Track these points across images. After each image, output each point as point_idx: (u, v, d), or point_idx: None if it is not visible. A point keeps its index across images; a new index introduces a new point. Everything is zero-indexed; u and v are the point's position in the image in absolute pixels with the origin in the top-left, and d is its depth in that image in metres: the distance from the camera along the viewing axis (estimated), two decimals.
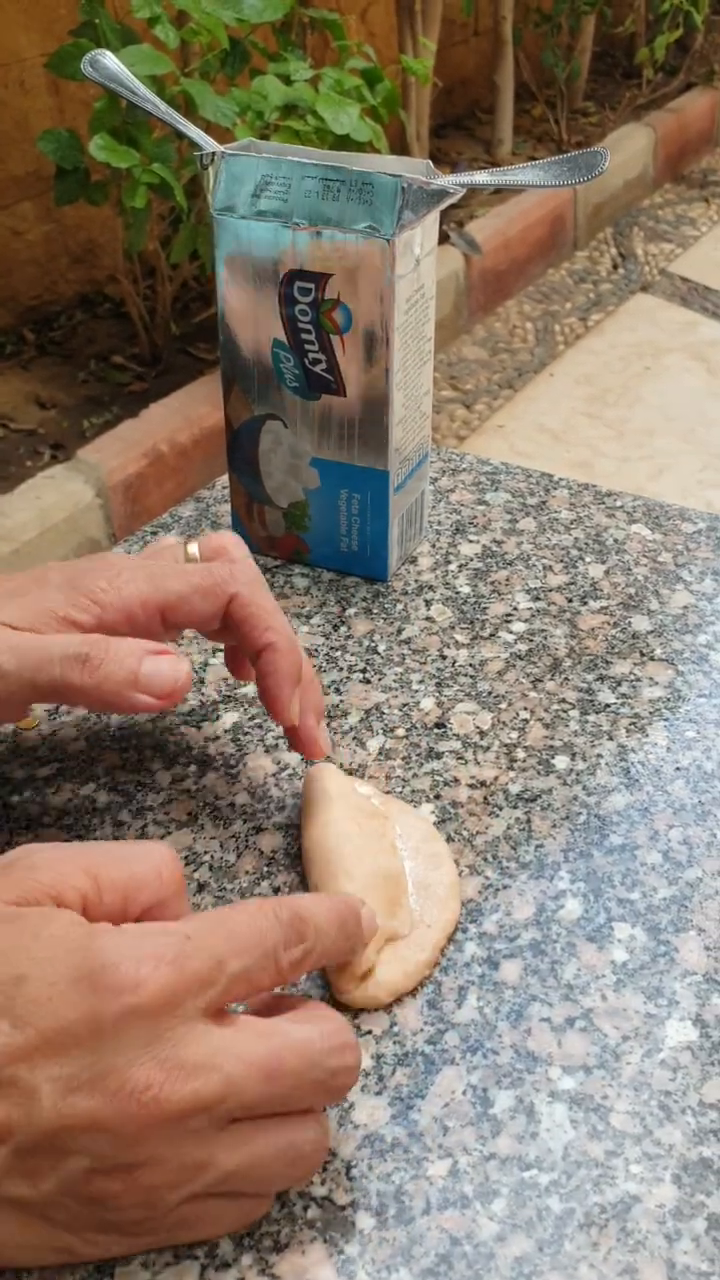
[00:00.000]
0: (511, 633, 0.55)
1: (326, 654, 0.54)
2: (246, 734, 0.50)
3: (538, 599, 0.57)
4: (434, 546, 0.61)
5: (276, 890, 0.43)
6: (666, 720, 0.50)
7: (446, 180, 0.50)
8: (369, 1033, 0.38)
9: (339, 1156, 0.35)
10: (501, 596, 0.57)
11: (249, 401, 0.56)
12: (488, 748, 0.49)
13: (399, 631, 0.55)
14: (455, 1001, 0.39)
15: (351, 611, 0.56)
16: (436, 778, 0.48)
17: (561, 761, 0.48)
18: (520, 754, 0.48)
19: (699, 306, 2.64)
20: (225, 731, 0.50)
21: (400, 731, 0.50)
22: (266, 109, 1.70)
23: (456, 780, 0.47)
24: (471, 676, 0.52)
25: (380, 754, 0.49)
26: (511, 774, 0.47)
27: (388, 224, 0.49)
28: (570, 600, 0.57)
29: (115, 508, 1.71)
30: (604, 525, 0.62)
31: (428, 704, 0.51)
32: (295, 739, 0.45)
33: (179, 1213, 0.31)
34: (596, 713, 0.51)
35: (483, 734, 0.49)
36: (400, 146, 2.49)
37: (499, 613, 0.56)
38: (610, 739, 0.49)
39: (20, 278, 2.14)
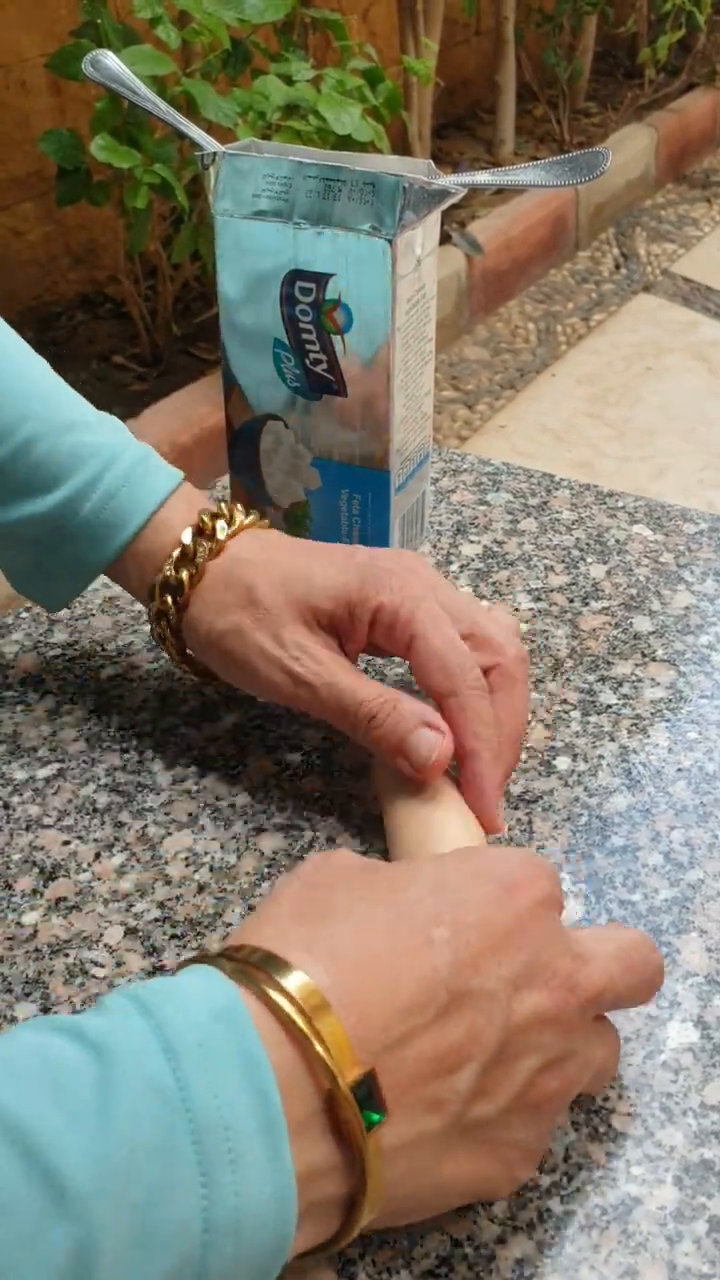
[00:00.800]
0: None
1: None
2: (247, 735, 0.50)
3: (539, 599, 0.57)
4: (435, 547, 0.61)
5: None
6: (668, 721, 0.50)
7: (448, 180, 0.50)
8: None
9: None
10: (503, 597, 0.57)
11: (250, 402, 0.56)
12: None
13: None
14: None
15: None
16: None
17: (563, 762, 0.48)
18: (522, 755, 0.48)
19: (701, 307, 2.63)
20: (226, 732, 0.50)
21: None
22: (268, 109, 1.70)
23: None
24: None
25: None
26: (513, 775, 0.47)
27: (389, 224, 0.49)
28: (572, 601, 0.57)
29: None
30: (605, 526, 0.62)
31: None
32: (474, 808, 0.43)
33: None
34: (598, 714, 0.50)
35: None
36: (402, 146, 2.49)
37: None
38: (612, 740, 0.49)
39: (21, 278, 2.14)
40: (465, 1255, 0.33)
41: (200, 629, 0.46)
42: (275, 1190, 0.27)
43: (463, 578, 0.59)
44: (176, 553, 0.46)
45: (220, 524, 0.47)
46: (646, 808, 0.46)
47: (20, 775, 0.48)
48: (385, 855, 0.43)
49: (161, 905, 0.43)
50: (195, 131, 0.53)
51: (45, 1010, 0.39)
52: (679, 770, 0.48)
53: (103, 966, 0.41)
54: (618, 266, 2.80)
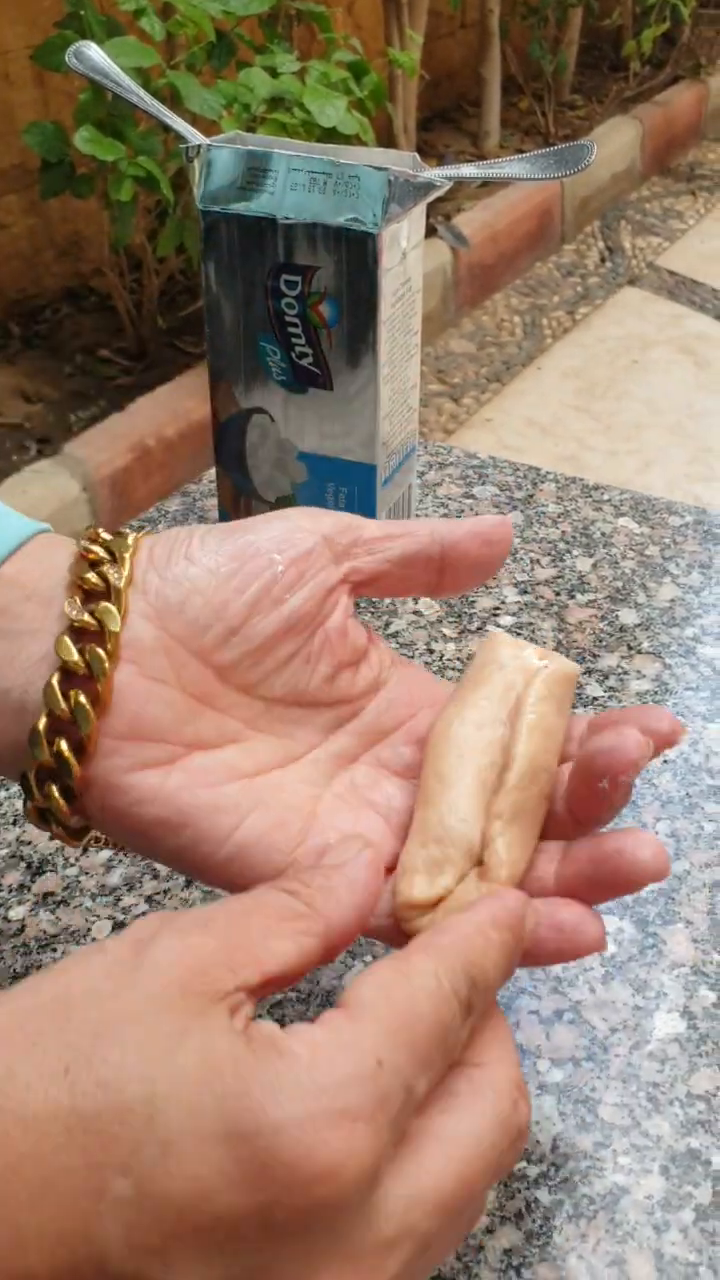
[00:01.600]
0: (499, 626, 0.55)
1: None
2: None
3: (525, 592, 0.57)
4: None
5: None
6: None
7: (433, 173, 0.50)
8: None
9: None
10: (489, 590, 0.57)
11: (236, 395, 0.56)
12: None
13: (386, 626, 0.55)
14: None
15: None
16: None
17: None
18: None
19: (686, 300, 2.64)
20: None
21: None
22: (253, 101, 1.70)
23: None
24: (460, 670, 0.52)
25: None
26: None
27: (374, 217, 0.49)
28: (558, 594, 0.57)
29: (102, 502, 1.70)
30: (591, 519, 0.62)
31: None
32: None
33: None
34: (584, 706, 0.51)
35: None
36: (387, 139, 2.49)
37: (487, 606, 0.56)
38: None
39: (5, 271, 2.13)
40: None
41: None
42: None
43: None
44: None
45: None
46: (633, 800, 0.46)
47: None
48: None
49: (149, 900, 0.43)
50: (180, 124, 0.53)
51: None
52: (664, 762, 0.48)
53: None
54: (603, 260, 2.80)
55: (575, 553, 0.60)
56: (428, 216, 0.52)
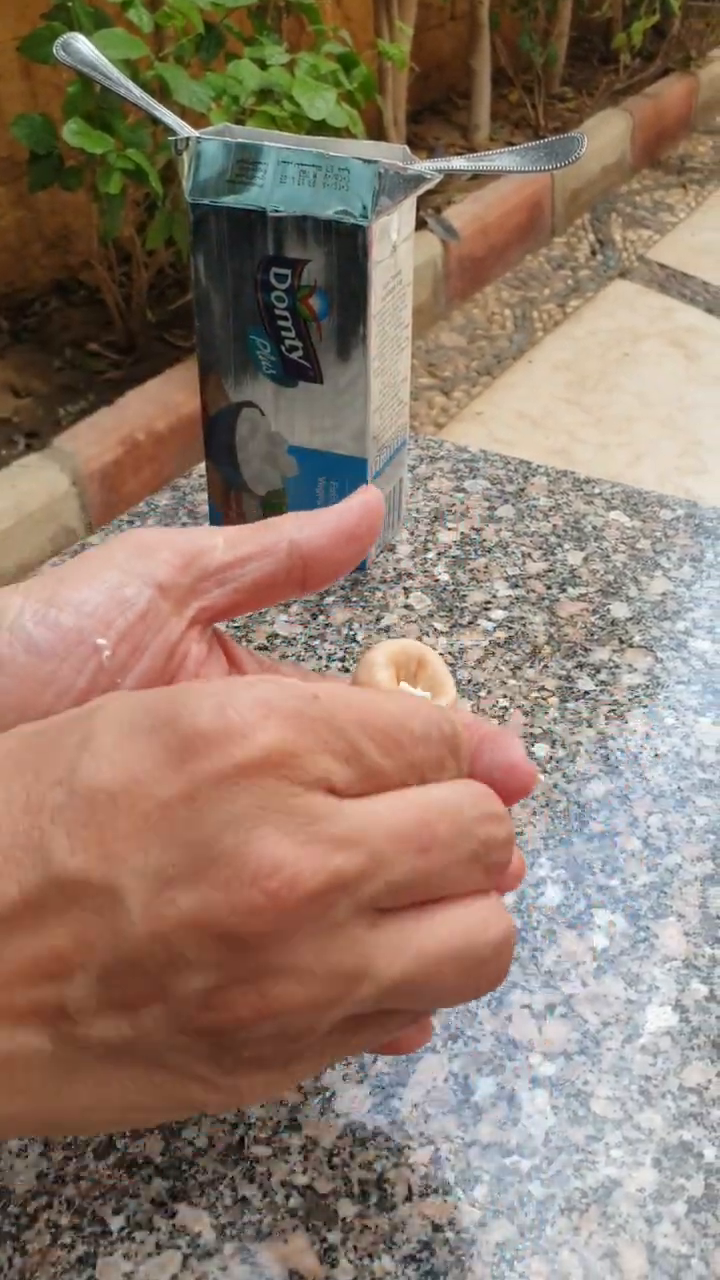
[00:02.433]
0: (490, 620, 0.55)
1: (305, 643, 0.54)
2: None
3: (516, 586, 0.57)
4: (412, 534, 0.61)
5: None
6: (645, 707, 0.50)
7: (423, 165, 0.50)
8: None
9: (320, 1145, 0.35)
10: (480, 584, 0.57)
11: (225, 389, 0.56)
12: None
13: (378, 620, 0.55)
14: None
15: (330, 600, 0.56)
16: None
17: (541, 749, 0.48)
18: None
19: (677, 293, 2.64)
20: None
21: None
22: (242, 94, 1.69)
23: None
24: (450, 664, 0.52)
25: None
26: None
27: (364, 210, 0.49)
28: (549, 587, 0.57)
29: (91, 496, 1.70)
30: (582, 512, 0.62)
31: None
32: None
33: (329, 1041, 0.24)
34: (576, 700, 0.51)
35: None
36: (377, 132, 2.48)
37: (478, 600, 0.56)
38: (590, 726, 0.49)
39: None
40: (447, 1240, 0.33)
41: None
42: None
43: (440, 565, 0.59)
44: None
45: None
46: (624, 793, 0.46)
47: None
48: None
49: None
50: (168, 116, 0.52)
51: None
52: (656, 756, 0.48)
53: None
54: (594, 252, 2.80)
55: (566, 546, 0.60)
56: (418, 209, 0.52)
